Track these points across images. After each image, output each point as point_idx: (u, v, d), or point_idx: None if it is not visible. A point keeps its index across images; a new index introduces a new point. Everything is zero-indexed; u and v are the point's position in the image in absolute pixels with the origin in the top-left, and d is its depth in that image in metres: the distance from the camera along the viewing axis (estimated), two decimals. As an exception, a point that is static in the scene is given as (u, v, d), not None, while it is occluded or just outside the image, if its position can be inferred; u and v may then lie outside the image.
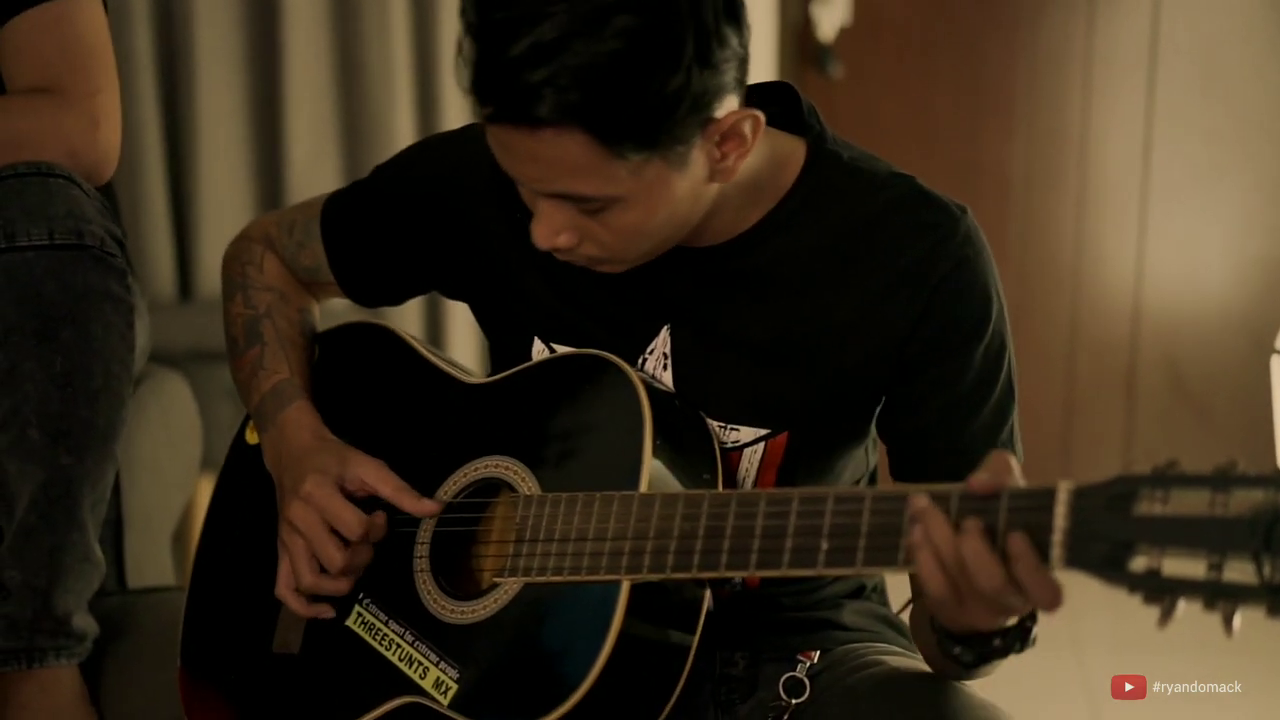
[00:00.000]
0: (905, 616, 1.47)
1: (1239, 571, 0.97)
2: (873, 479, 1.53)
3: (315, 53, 3.09)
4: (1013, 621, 1.21)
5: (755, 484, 1.39)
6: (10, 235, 1.55)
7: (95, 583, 1.72)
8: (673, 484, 1.30)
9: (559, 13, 1.14)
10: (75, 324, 1.58)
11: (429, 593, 1.39)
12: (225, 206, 3.09)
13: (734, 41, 1.21)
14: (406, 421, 1.52)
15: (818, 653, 1.44)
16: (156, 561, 2.17)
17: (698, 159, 1.24)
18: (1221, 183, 3.48)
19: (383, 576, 1.42)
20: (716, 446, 1.36)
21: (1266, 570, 0.96)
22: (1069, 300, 3.58)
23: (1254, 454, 3.14)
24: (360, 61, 3.11)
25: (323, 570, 1.40)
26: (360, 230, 1.58)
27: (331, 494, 1.39)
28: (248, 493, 1.55)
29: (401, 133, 3.10)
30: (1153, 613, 1.00)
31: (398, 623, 1.39)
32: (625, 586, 1.25)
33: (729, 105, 1.23)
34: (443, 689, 1.33)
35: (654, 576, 1.25)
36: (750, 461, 1.39)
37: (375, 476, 1.40)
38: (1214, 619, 0.98)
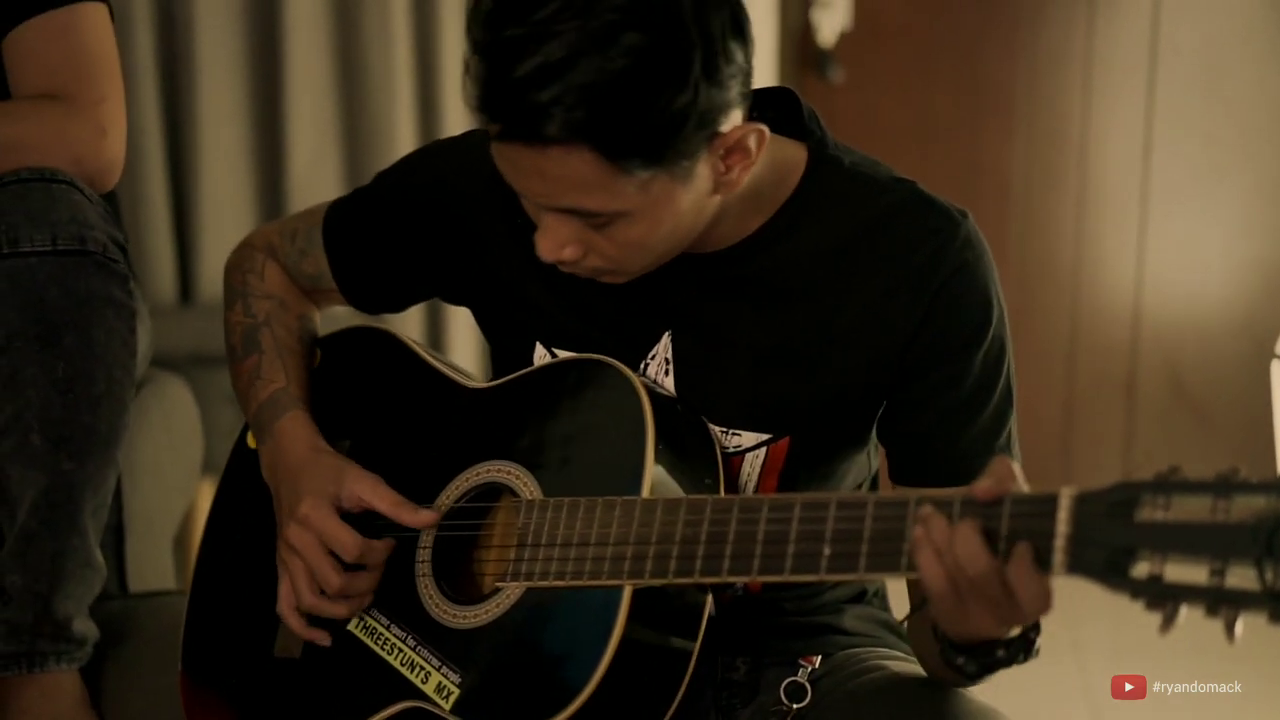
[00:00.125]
0: (905, 628, 1.47)
1: (1241, 578, 0.97)
2: (874, 483, 1.53)
3: (316, 56, 3.09)
4: (1016, 632, 1.21)
5: (757, 489, 1.39)
6: (14, 240, 1.55)
7: (96, 588, 1.72)
8: (674, 489, 1.30)
9: (567, 31, 1.14)
10: (78, 330, 1.58)
11: (431, 597, 1.39)
12: (226, 210, 3.10)
13: (739, 57, 1.21)
14: (408, 426, 1.52)
15: (819, 657, 1.44)
16: (157, 566, 2.17)
17: (702, 173, 1.25)
18: (1222, 185, 3.48)
19: (385, 581, 1.42)
20: (718, 451, 1.36)
21: (1268, 576, 0.96)
22: (1069, 302, 3.58)
23: (1254, 457, 3.14)
24: (361, 65, 3.11)
25: (323, 592, 1.40)
26: (362, 237, 1.58)
27: (328, 516, 1.39)
28: (249, 497, 1.55)
29: (402, 136, 3.10)
30: (1153, 619, 1.00)
31: (400, 627, 1.40)
32: (627, 591, 1.25)
33: (734, 119, 1.24)
34: (445, 694, 1.33)
35: (656, 581, 1.25)
36: (752, 466, 1.39)
37: (372, 493, 1.40)
38: (1215, 624, 0.98)
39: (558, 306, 1.44)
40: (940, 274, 1.33)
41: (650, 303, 1.40)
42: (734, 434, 1.38)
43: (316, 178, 3.11)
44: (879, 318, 1.35)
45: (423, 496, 1.43)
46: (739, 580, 1.27)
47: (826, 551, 1.16)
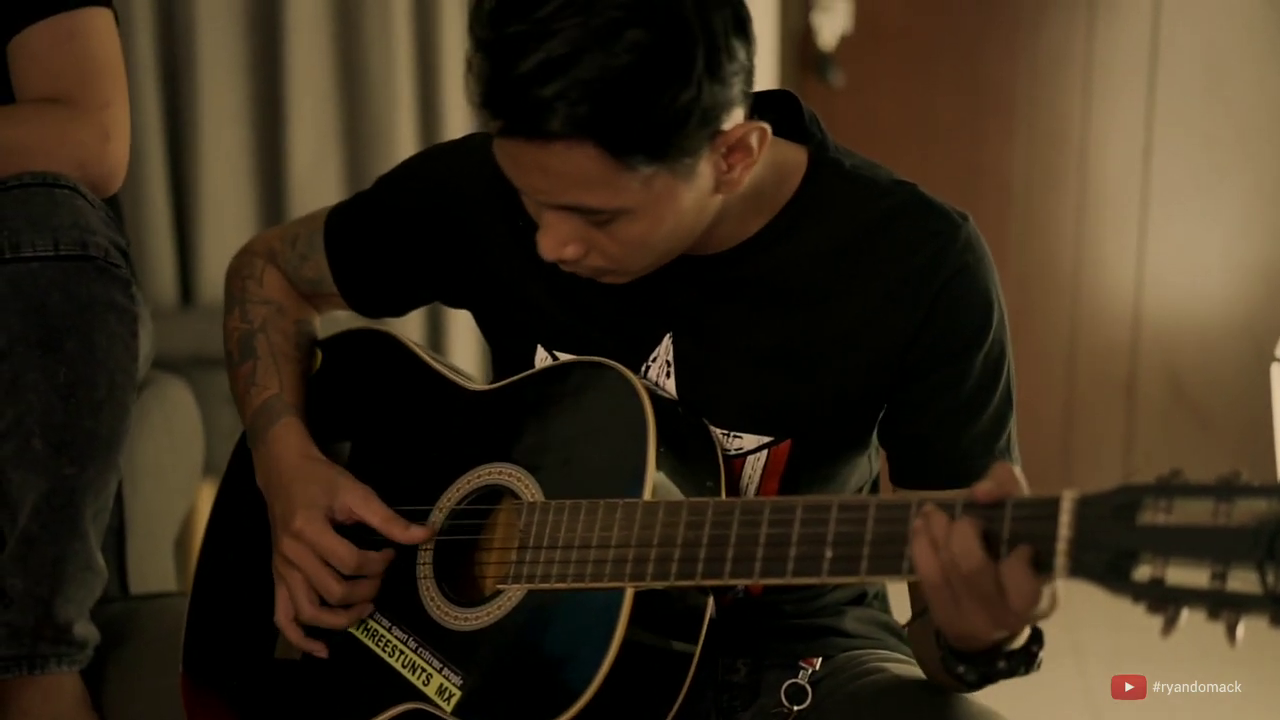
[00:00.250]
0: (906, 632, 1.47)
1: (1242, 581, 0.97)
2: (875, 487, 1.53)
3: (317, 59, 3.09)
4: (1019, 644, 1.21)
5: (758, 491, 1.39)
6: (15, 245, 1.55)
7: (97, 591, 1.72)
8: (676, 491, 1.30)
9: (569, 28, 1.15)
10: (79, 335, 1.58)
11: (432, 599, 1.39)
12: (227, 213, 3.10)
13: (742, 55, 1.22)
14: (410, 428, 1.52)
15: (820, 659, 1.44)
16: (158, 567, 2.17)
17: (705, 171, 1.25)
18: (1222, 187, 3.48)
19: (386, 583, 1.42)
20: (720, 454, 1.36)
21: (1270, 580, 0.96)
22: (1069, 304, 3.58)
23: (1254, 460, 3.14)
24: (362, 68, 3.12)
25: (323, 603, 1.40)
26: (363, 241, 1.58)
27: (323, 530, 1.39)
28: (250, 499, 1.55)
29: (403, 139, 3.11)
30: (1154, 621, 1.00)
31: (401, 629, 1.40)
32: (629, 594, 1.25)
33: (736, 118, 1.24)
34: (446, 696, 1.33)
35: (658, 584, 1.25)
36: (753, 469, 1.39)
37: (364, 506, 1.40)
38: (1215, 627, 0.98)
39: (559, 308, 1.44)
40: (940, 276, 1.34)
41: (651, 305, 1.40)
42: (735, 436, 1.39)
43: (317, 180, 3.11)
44: (879, 320, 1.35)
45: (424, 499, 1.43)
46: (741, 583, 1.27)
47: (828, 554, 1.17)
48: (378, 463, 1.51)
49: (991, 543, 1.08)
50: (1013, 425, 1.40)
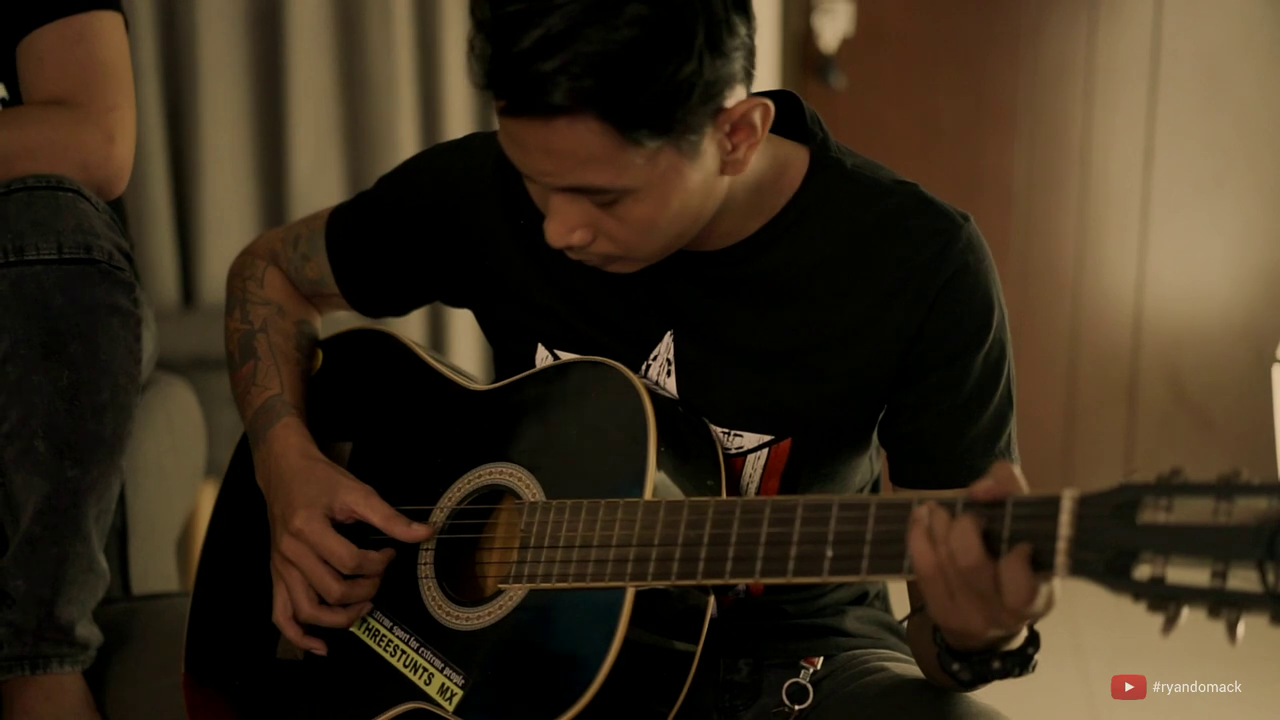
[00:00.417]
0: (905, 627, 1.48)
1: (1243, 579, 0.97)
2: (876, 487, 1.53)
3: (319, 62, 3.10)
4: (1016, 645, 1.21)
5: (759, 490, 1.40)
6: (19, 249, 1.55)
7: (99, 592, 1.72)
8: (676, 491, 1.31)
9: (567, 4, 1.15)
10: (83, 338, 1.58)
11: (434, 599, 1.39)
12: (229, 215, 3.10)
13: (742, 31, 1.22)
14: (411, 428, 1.52)
15: (821, 659, 1.45)
16: (160, 568, 2.17)
17: (709, 149, 1.25)
18: (1223, 192, 3.49)
19: (387, 583, 1.42)
20: (720, 453, 1.37)
21: (1270, 578, 0.96)
22: (1070, 309, 3.58)
23: (1255, 463, 3.14)
24: (364, 70, 3.12)
25: (322, 602, 1.41)
26: (364, 241, 1.58)
27: (323, 529, 1.39)
28: (251, 499, 1.55)
29: (405, 142, 3.11)
30: (1154, 620, 1.00)
31: (403, 629, 1.40)
32: (630, 593, 1.26)
33: (738, 95, 1.24)
34: (448, 695, 1.33)
35: (659, 583, 1.25)
36: (754, 468, 1.39)
37: (365, 505, 1.40)
38: (1215, 627, 0.98)
39: (560, 307, 1.44)
40: (941, 276, 1.34)
41: (652, 304, 1.40)
42: (736, 435, 1.39)
43: (318, 183, 3.12)
44: (880, 319, 1.35)
45: (425, 498, 1.44)
46: (742, 582, 1.27)
47: (829, 554, 1.17)
48: (379, 462, 1.51)
49: (991, 541, 1.09)
50: (1013, 425, 1.40)
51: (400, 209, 1.55)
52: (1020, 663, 1.22)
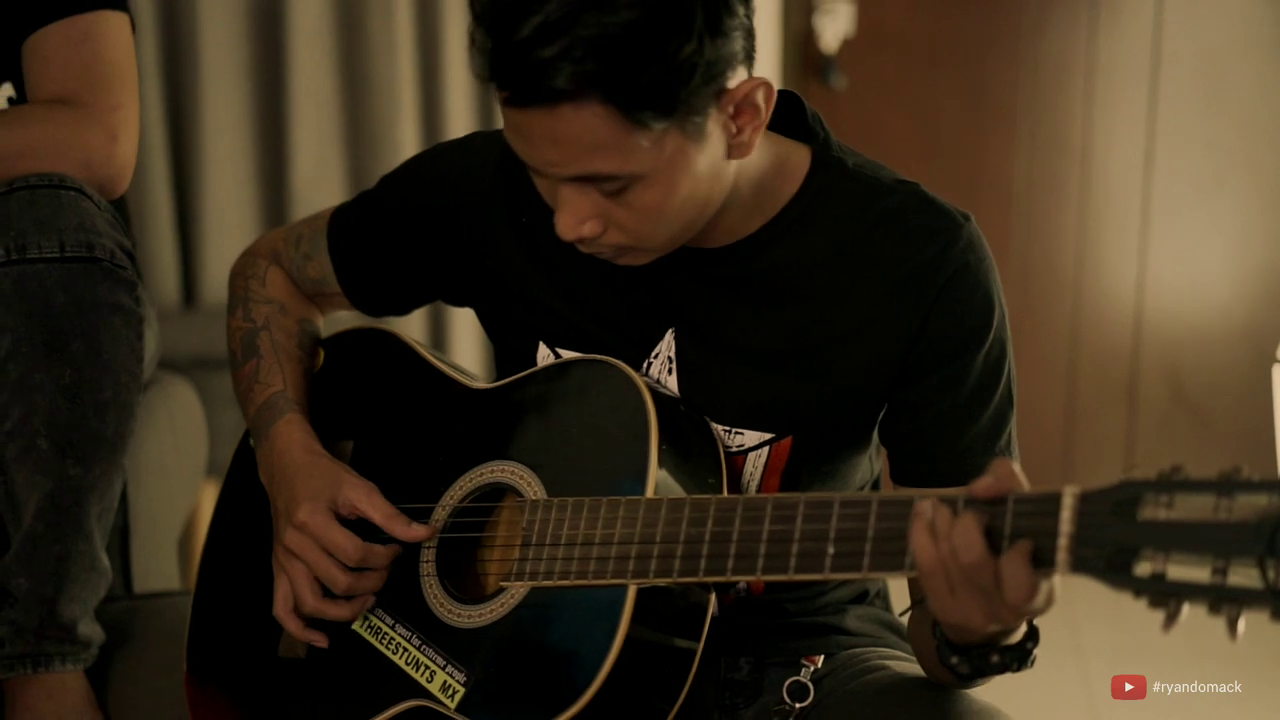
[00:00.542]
0: (905, 621, 1.48)
1: (1243, 576, 0.97)
2: (875, 486, 1.53)
3: (320, 63, 3.10)
4: (1015, 640, 1.22)
5: (759, 488, 1.40)
6: (21, 247, 1.55)
7: (101, 590, 1.72)
8: (678, 489, 1.31)
9: None
10: (85, 336, 1.58)
11: (436, 597, 1.39)
12: (230, 215, 3.10)
13: (740, 11, 1.22)
14: (412, 427, 1.52)
15: (821, 657, 1.45)
16: (162, 566, 2.17)
17: (714, 132, 1.25)
18: (1223, 193, 3.49)
19: (389, 581, 1.42)
20: (721, 451, 1.37)
21: (1271, 574, 0.96)
22: (1070, 310, 3.58)
23: (1255, 463, 3.11)
24: (365, 72, 3.12)
25: (326, 594, 1.41)
26: (366, 240, 1.59)
27: (327, 522, 1.40)
28: (253, 498, 1.55)
29: (406, 143, 3.11)
30: (1154, 619, 1.00)
31: (404, 627, 1.40)
32: (632, 591, 1.26)
33: (740, 75, 1.24)
34: (450, 692, 1.34)
35: (661, 581, 1.26)
36: (755, 466, 1.39)
37: (367, 502, 1.41)
38: (1216, 624, 0.99)
39: (561, 306, 1.45)
40: (942, 275, 1.34)
41: (653, 301, 1.41)
42: (737, 433, 1.39)
43: (320, 185, 3.12)
44: (881, 318, 1.35)
45: (427, 497, 1.44)
46: (743, 579, 1.27)
47: (831, 551, 1.17)
48: (380, 461, 1.51)
49: (993, 537, 1.09)
50: (1013, 424, 1.40)
51: (402, 208, 1.56)
52: (1019, 657, 1.22)
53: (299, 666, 1.48)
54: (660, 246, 1.32)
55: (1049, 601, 1.11)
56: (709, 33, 1.18)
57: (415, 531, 1.40)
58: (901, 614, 1.40)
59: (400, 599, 1.41)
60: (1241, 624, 0.97)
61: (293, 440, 1.48)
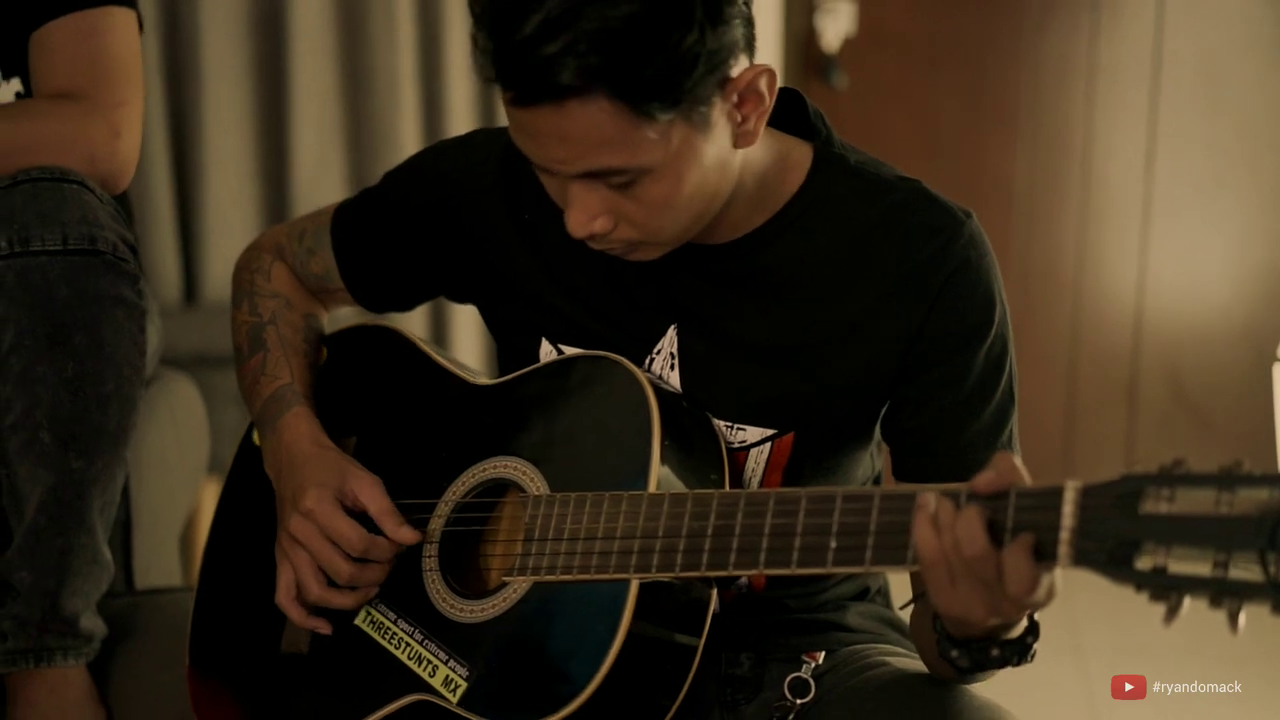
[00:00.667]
0: (905, 615, 1.48)
1: (1244, 569, 0.97)
2: (876, 482, 1.53)
3: (321, 61, 3.10)
4: (1015, 634, 1.22)
5: (761, 484, 1.40)
6: (25, 240, 1.56)
7: (104, 584, 1.73)
8: (680, 484, 1.31)
9: None
10: (87, 329, 1.58)
11: (438, 591, 1.39)
12: (231, 213, 3.10)
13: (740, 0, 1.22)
14: (415, 423, 1.52)
15: (823, 654, 1.45)
16: (164, 562, 2.18)
17: (720, 121, 1.25)
18: (1223, 193, 3.49)
19: (392, 575, 1.42)
20: (723, 447, 1.37)
21: (1272, 568, 0.96)
22: (1071, 309, 3.59)
23: (1256, 462, 3.12)
24: (366, 69, 3.12)
25: (330, 583, 1.41)
26: (369, 235, 1.59)
27: (333, 510, 1.40)
28: (255, 494, 1.56)
29: (407, 141, 3.11)
30: (1154, 617, 1.00)
31: (407, 621, 1.40)
32: (634, 586, 1.26)
33: (742, 64, 1.24)
34: (452, 687, 1.34)
35: (663, 576, 1.26)
36: (756, 461, 1.40)
37: (368, 494, 1.41)
38: (1216, 623, 0.99)
39: (563, 302, 1.45)
40: (944, 272, 1.34)
41: (656, 298, 1.41)
42: (739, 429, 1.39)
43: (321, 183, 3.12)
44: (883, 315, 1.35)
45: (430, 492, 1.44)
46: (745, 574, 1.28)
47: (833, 545, 1.17)
48: (383, 457, 1.51)
49: (995, 531, 1.09)
50: (1014, 421, 1.40)
51: (405, 205, 1.56)
52: (1019, 651, 1.23)
53: (301, 661, 1.48)
54: (670, 240, 1.32)
55: (1050, 595, 1.11)
56: (710, 22, 1.19)
57: (403, 533, 1.40)
58: (902, 607, 1.40)
59: (403, 594, 1.41)
60: (1243, 617, 0.97)
61: (300, 433, 1.48)
